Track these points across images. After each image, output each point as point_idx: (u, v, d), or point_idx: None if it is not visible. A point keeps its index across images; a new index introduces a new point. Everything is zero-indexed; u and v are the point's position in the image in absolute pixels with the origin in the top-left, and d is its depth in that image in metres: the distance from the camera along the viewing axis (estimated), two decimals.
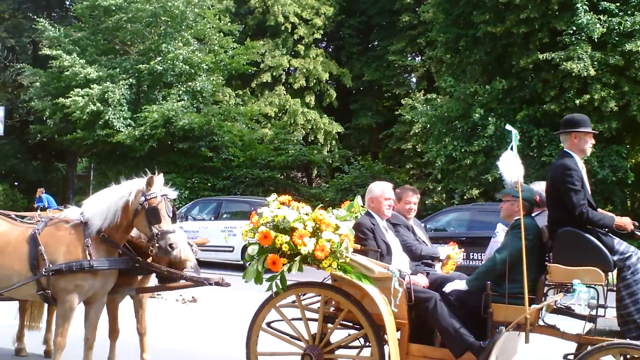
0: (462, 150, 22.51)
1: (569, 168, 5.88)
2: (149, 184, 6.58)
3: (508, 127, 6.10)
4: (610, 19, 21.04)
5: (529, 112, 22.25)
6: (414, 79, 38.24)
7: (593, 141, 6.20)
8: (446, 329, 5.86)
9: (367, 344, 6.32)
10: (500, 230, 7.38)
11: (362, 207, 6.93)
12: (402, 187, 7.69)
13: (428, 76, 35.51)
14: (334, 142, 36.63)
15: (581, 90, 21.09)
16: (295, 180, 34.23)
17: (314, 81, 36.24)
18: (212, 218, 20.19)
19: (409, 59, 37.07)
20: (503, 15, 22.33)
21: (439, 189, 31.99)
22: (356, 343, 6.64)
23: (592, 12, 21.14)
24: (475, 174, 22.90)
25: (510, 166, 6.00)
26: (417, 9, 32.78)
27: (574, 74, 20.54)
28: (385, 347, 5.95)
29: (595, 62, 20.68)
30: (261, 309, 6.36)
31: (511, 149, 5.95)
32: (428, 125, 25.67)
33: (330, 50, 41.02)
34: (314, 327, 6.34)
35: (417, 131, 28.72)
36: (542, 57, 21.22)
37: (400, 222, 7.12)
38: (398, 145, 33.73)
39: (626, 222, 5.99)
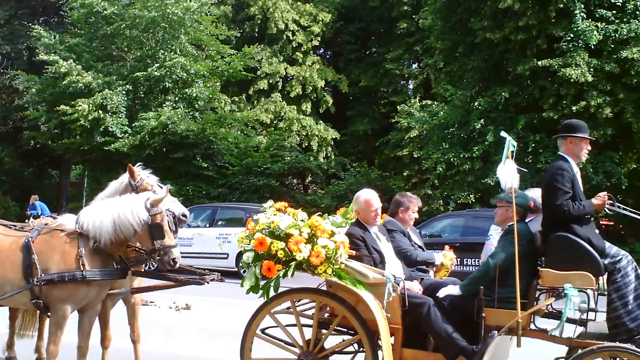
0: (461, 156, 22.47)
1: (561, 169, 5.98)
2: (154, 204, 6.48)
3: (503, 134, 6.14)
4: (607, 26, 21.07)
5: (527, 118, 22.24)
6: (411, 86, 38.27)
7: (589, 147, 6.25)
8: (439, 333, 5.91)
9: (361, 349, 6.34)
10: (494, 233, 7.43)
11: None
12: (405, 195, 7.66)
13: (425, 83, 35.52)
14: (329, 148, 36.60)
15: (577, 96, 21.09)
16: (291, 187, 34.20)
17: (310, 88, 36.21)
18: (207, 225, 20.11)
19: (406, 65, 37.08)
20: (501, 22, 22.32)
21: (437, 195, 32.05)
22: (350, 348, 6.62)
23: (589, 19, 21.17)
24: (473, 180, 22.87)
25: (507, 173, 6.03)
26: (414, 16, 32.78)
27: (571, 81, 20.54)
28: (379, 352, 5.97)
29: (592, 69, 20.69)
30: (256, 315, 6.33)
31: (505, 156, 6.01)
32: (425, 132, 25.64)
33: (327, 56, 41.02)
34: (309, 334, 6.34)
35: (413, 137, 28.71)
36: (540, 63, 21.22)
37: (396, 228, 7.14)
38: (394, 152, 33.72)
39: (603, 198, 6.05)
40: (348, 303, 6.00)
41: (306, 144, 35.73)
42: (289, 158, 30.74)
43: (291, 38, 36.40)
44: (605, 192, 6.13)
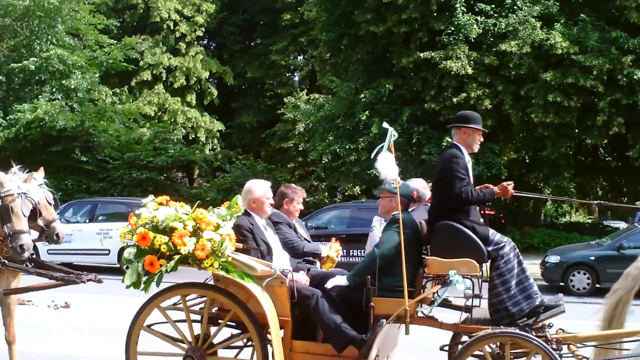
0: (347, 147, 22.62)
1: (455, 156, 6.01)
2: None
3: (385, 125, 6.19)
4: (486, 20, 21.71)
5: (411, 110, 22.61)
6: (297, 78, 38.32)
7: (482, 138, 6.33)
8: (328, 324, 5.88)
9: (249, 343, 6.25)
10: (377, 224, 7.43)
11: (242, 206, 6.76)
12: (289, 186, 7.54)
13: (310, 75, 35.64)
14: (215, 140, 36.18)
15: (458, 88, 21.64)
16: (176, 180, 33.61)
17: (194, 79, 35.65)
18: (87, 220, 19.37)
19: (292, 57, 37.08)
20: (384, 15, 22.59)
21: (323, 186, 32.23)
22: (239, 343, 6.49)
23: (469, 13, 21.72)
24: (359, 171, 23.07)
25: (386, 164, 6.04)
26: (299, 8, 32.80)
27: (452, 73, 21.04)
28: (269, 346, 5.88)
29: (472, 62, 21.26)
30: (142, 310, 6.09)
31: (386, 147, 6.04)
32: (311, 124, 25.71)
33: (212, 47, 40.51)
34: (199, 329, 6.17)
35: (301, 130, 28.79)
36: (422, 56, 21.60)
37: (282, 220, 7.02)
38: (281, 144, 33.71)
39: (507, 188, 6.10)
40: (236, 297, 5.88)
41: (192, 137, 35.20)
42: (173, 151, 30.14)
43: (174, 28, 35.70)
44: (510, 182, 6.22)
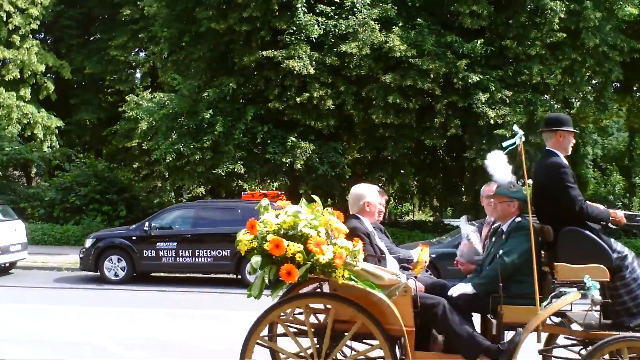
0: (191, 146, 22.27)
1: (562, 166, 5.93)
2: None
3: (515, 128, 6.00)
4: (327, 21, 21.96)
5: (255, 109, 22.56)
6: (138, 75, 37.37)
7: (574, 140, 6.27)
8: (459, 334, 5.67)
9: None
10: (471, 232, 7.07)
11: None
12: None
13: (152, 72, 34.86)
14: (54, 138, 34.63)
15: (301, 88, 21.77)
16: (13, 179, 31.97)
17: (29, 73, 33.94)
18: None
19: (132, 54, 36.10)
20: (226, 13, 22.39)
21: (168, 186, 31.64)
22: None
23: (310, 14, 21.90)
24: (203, 170, 22.78)
25: (498, 164, 6.00)
26: (139, 3, 31.96)
27: (294, 73, 21.12)
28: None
29: (314, 62, 21.43)
30: (259, 322, 5.79)
31: (510, 149, 5.93)
32: (154, 123, 25.10)
33: (48, 41, 38.71)
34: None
35: (143, 128, 28.05)
36: (265, 54, 21.59)
37: (377, 226, 6.68)
38: (123, 142, 32.73)
39: (620, 216, 6.08)
40: (365, 308, 5.55)
41: (28, 133, 33.53)
42: (8, 149, 28.63)
43: (7, 20, 33.84)
44: (623, 212, 6.18)
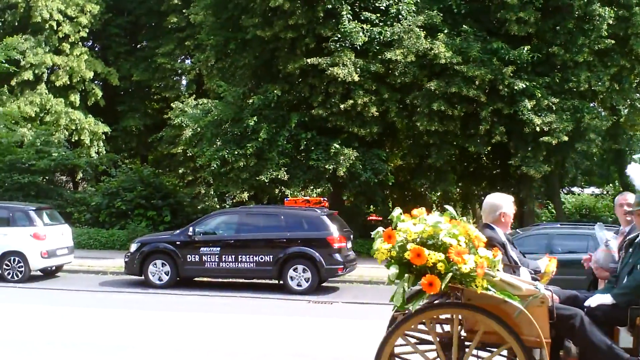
0: (235, 153, 22.40)
1: None
2: None
3: None
4: (372, 28, 21.95)
5: (299, 116, 22.62)
6: (184, 82, 37.78)
7: None
8: (597, 346, 5.48)
9: None
10: (612, 239, 7.00)
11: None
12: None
13: (198, 79, 35.21)
14: (100, 143, 35.17)
15: (345, 95, 21.77)
16: (59, 184, 32.47)
17: (78, 79, 34.54)
18: None
19: (178, 61, 36.55)
20: (271, 20, 22.51)
21: (212, 192, 31.90)
22: None
23: (355, 21, 21.91)
24: (247, 177, 22.90)
25: None
26: (184, 11, 32.34)
27: (339, 80, 21.15)
28: None
29: (358, 69, 21.42)
30: (393, 333, 5.61)
31: None
32: (199, 129, 25.33)
33: (96, 49, 39.38)
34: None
35: (188, 135, 28.33)
36: (309, 61, 21.65)
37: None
38: (168, 149, 33.12)
39: None
40: (501, 318, 5.39)
41: (76, 139, 34.10)
42: (56, 154, 29.11)
43: (57, 28, 34.53)
44: None
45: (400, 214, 5.55)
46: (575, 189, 27.69)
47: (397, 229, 5.40)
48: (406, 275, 5.24)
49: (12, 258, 17.28)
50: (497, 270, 5.31)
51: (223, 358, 9.07)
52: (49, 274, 18.66)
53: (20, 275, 17.17)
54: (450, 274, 5.11)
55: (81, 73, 34.31)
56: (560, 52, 21.56)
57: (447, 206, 5.76)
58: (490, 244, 5.57)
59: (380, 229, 5.56)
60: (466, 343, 5.62)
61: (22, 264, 17.23)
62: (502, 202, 6.27)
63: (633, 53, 22.34)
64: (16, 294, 15.22)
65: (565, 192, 28.64)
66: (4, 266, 17.27)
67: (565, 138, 20.89)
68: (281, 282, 16.49)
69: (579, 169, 23.50)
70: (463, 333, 5.77)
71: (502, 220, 6.20)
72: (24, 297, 14.78)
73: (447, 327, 6.07)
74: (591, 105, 23.09)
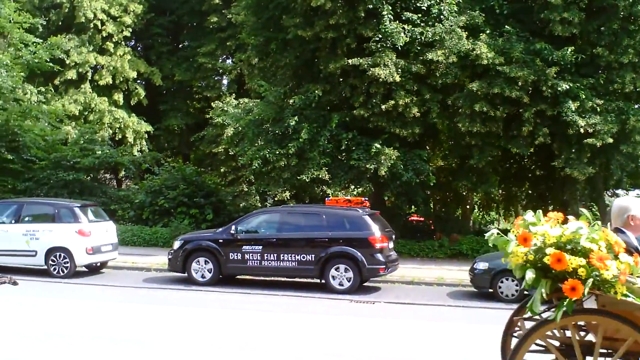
0: (276, 152, 22.55)
1: None
2: None
3: None
4: (413, 28, 21.90)
5: (340, 116, 22.67)
6: (225, 81, 38.11)
7: None
8: None
9: None
10: None
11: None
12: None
13: (239, 78, 35.50)
14: (143, 142, 35.69)
15: (386, 95, 21.77)
16: (103, 182, 33.01)
17: (121, 79, 35.08)
18: (13, 221, 18.88)
19: (220, 61, 36.88)
20: (312, 20, 22.60)
21: (253, 191, 32.12)
22: None
23: (396, 21, 21.89)
24: (289, 176, 23.03)
25: None
26: (224, 11, 32.60)
27: (380, 80, 21.16)
28: None
29: (399, 69, 21.41)
30: (527, 338, 5.50)
31: None
32: (240, 128, 25.52)
33: (139, 48, 39.95)
34: None
35: (229, 134, 28.58)
36: (350, 62, 21.70)
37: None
38: (210, 148, 33.47)
39: None
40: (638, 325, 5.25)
41: (119, 137, 34.63)
42: (100, 152, 29.58)
43: (100, 28, 35.10)
44: None
45: (534, 215, 5.45)
46: (620, 191, 27.26)
47: (534, 233, 5.31)
48: (542, 280, 5.17)
49: (58, 254, 17.61)
50: (638, 277, 5.19)
51: (263, 356, 9.17)
52: (93, 270, 19.01)
53: (65, 271, 17.53)
54: (591, 280, 5.02)
55: (124, 73, 34.89)
56: (605, 53, 21.29)
57: (582, 209, 5.68)
58: (627, 249, 5.41)
59: (494, 230, 5.55)
60: (601, 350, 5.41)
61: (67, 259, 17.58)
62: (630, 205, 6.08)
63: None
64: (62, 289, 15.50)
65: (610, 194, 28.22)
66: (50, 262, 17.64)
67: (610, 140, 20.63)
68: (323, 281, 16.57)
69: (624, 171, 23.11)
70: (591, 339, 5.70)
71: (631, 224, 6.01)
72: (69, 293, 15.05)
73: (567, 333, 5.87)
74: (636, 106, 22.74)
